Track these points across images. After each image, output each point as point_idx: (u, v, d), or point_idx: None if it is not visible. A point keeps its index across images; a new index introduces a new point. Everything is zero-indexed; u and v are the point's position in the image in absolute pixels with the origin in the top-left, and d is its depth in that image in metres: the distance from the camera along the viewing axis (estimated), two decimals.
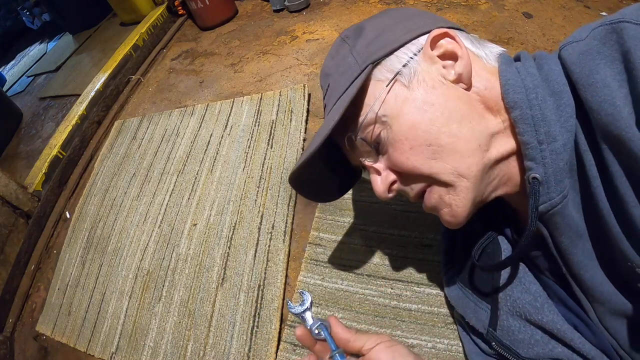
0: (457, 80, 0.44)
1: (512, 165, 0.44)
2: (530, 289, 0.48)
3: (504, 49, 0.48)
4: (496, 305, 0.51)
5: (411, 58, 0.45)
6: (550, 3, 1.16)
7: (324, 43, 1.34)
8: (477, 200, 0.44)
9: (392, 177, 0.47)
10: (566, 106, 0.38)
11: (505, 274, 0.51)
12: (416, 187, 0.46)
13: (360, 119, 0.46)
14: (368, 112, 0.46)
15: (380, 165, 0.48)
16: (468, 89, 0.44)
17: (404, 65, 0.45)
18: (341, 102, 0.45)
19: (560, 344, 0.45)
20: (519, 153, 0.42)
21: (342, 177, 0.61)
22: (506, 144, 0.43)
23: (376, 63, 0.46)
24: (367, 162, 0.50)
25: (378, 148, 0.47)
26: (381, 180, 0.48)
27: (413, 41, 0.46)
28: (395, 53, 0.46)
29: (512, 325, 0.48)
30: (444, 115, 0.42)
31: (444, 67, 0.45)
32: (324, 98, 0.53)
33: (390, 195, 0.49)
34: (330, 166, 0.58)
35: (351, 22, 1.39)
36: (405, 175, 0.46)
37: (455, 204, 0.44)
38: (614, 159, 0.33)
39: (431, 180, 0.44)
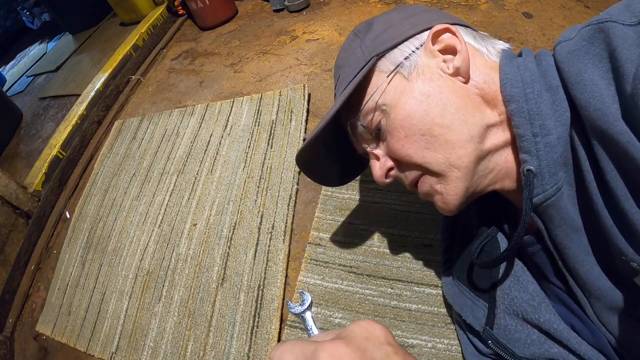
0: (455, 74, 0.46)
1: (509, 158, 0.46)
2: (528, 288, 0.49)
3: (509, 45, 0.50)
4: (493, 303, 0.51)
5: (413, 52, 0.48)
6: (550, 3, 1.16)
7: (324, 43, 1.34)
8: (471, 190, 0.46)
9: (390, 163, 0.50)
10: (561, 101, 0.39)
11: (502, 269, 0.51)
12: (411, 175, 0.49)
13: (361, 106, 0.50)
14: (369, 100, 0.49)
15: (379, 151, 0.51)
16: (466, 82, 0.46)
17: (405, 58, 0.47)
18: (346, 90, 0.48)
19: (556, 344, 0.45)
20: (515, 146, 0.43)
21: (348, 165, 0.65)
22: (502, 136, 0.45)
23: (380, 55, 0.49)
24: (368, 149, 0.53)
25: (379, 135, 0.50)
26: (379, 166, 0.51)
27: (417, 36, 0.49)
28: (399, 46, 0.49)
29: (509, 324, 0.49)
30: (439, 106, 0.44)
31: (444, 61, 0.47)
32: (334, 88, 0.57)
33: (388, 180, 0.52)
34: (339, 153, 0.62)
35: (351, 22, 1.39)
36: (401, 163, 0.49)
37: (446, 192, 0.46)
38: (604, 154, 0.34)
39: (424, 170, 0.47)
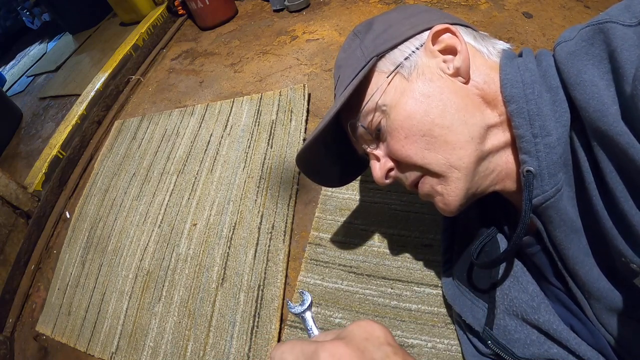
0: (455, 74, 0.46)
1: (509, 159, 0.46)
2: (528, 288, 0.49)
3: (510, 45, 0.50)
4: (493, 304, 0.51)
5: (413, 52, 0.48)
6: (550, 3, 1.16)
7: (324, 43, 1.34)
8: (472, 191, 0.46)
9: (390, 164, 0.50)
10: (562, 102, 0.39)
11: (502, 270, 0.51)
12: (411, 175, 0.49)
13: (361, 107, 0.50)
14: (369, 100, 0.49)
15: (379, 152, 0.51)
16: (466, 82, 0.46)
17: (405, 59, 0.47)
18: (346, 91, 0.48)
19: (556, 344, 0.45)
20: (516, 147, 0.43)
21: (348, 166, 0.65)
22: (502, 137, 0.45)
23: (380, 56, 0.49)
24: (368, 149, 0.53)
25: (379, 136, 0.50)
26: (379, 167, 0.51)
27: (417, 36, 0.49)
28: (399, 47, 0.48)
29: (509, 324, 0.49)
30: (439, 107, 0.44)
31: (444, 61, 0.47)
32: (334, 89, 0.57)
33: (388, 181, 0.51)
34: (339, 154, 0.62)
35: (351, 22, 1.39)
36: (401, 164, 0.49)
37: (447, 193, 0.46)
38: (604, 155, 0.34)
39: (424, 170, 0.46)
